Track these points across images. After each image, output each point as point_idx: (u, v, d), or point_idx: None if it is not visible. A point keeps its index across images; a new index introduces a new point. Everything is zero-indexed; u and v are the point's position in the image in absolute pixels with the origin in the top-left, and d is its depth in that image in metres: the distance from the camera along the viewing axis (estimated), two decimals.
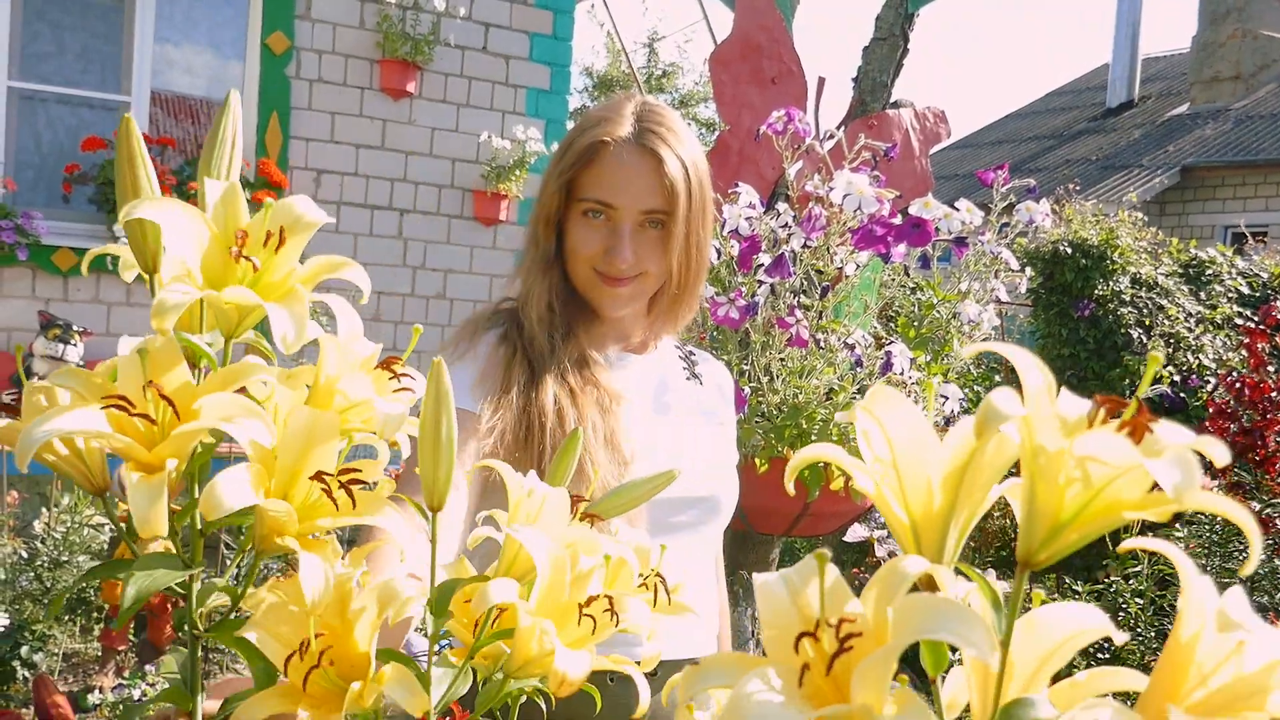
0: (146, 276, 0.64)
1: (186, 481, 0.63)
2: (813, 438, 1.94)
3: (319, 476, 0.59)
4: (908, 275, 2.16)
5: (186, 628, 0.65)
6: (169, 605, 3.68)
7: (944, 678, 0.44)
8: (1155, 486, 0.38)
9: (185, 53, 5.87)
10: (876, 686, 0.38)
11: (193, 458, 0.62)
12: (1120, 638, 0.41)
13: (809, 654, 0.41)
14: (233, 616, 0.68)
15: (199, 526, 0.63)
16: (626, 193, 1.32)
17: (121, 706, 3.20)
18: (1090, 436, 0.40)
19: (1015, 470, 0.44)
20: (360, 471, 0.61)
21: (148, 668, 3.55)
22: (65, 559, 3.90)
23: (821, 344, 1.97)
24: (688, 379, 1.49)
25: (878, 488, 0.46)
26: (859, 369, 1.94)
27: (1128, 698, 0.43)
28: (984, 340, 2.24)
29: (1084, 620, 0.43)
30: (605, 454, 1.28)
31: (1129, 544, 0.45)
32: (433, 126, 6.15)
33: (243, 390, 0.61)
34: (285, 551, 0.60)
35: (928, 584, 0.44)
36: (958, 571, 0.45)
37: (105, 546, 4.02)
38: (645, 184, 1.32)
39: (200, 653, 0.68)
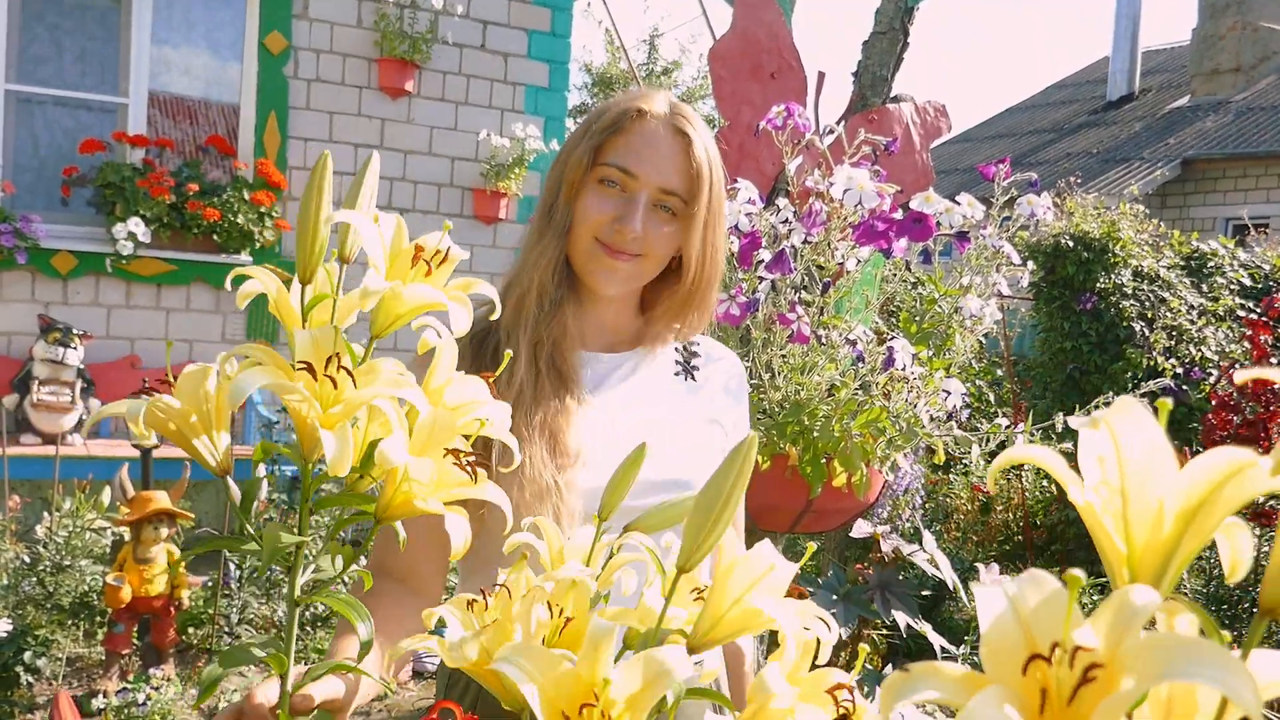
0: (284, 286, 0.76)
1: (300, 462, 0.75)
2: (814, 434, 1.93)
3: (453, 452, 0.72)
4: (909, 270, 2.14)
5: (288, 594, 0.75)
6: (172, 608, 3.68)
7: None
8: None
9: (183, 54, 5.86)
10: None
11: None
12: None
13: (1042, 679, 0.39)
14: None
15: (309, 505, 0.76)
16: (651, 164, 1.30)
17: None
18: None
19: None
20: (482, 455, 0.75)
21: (151, 671, 3.55)
22: (67, 563, 3.90)
23: (823, 340, 1.96)
24: (676, 374, 1.42)
25: (1091, 509, 0.44)
26: (860, 365, 1.93)
27: None
28: (985, 333, 2.23)
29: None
30: (543, 448, 1.24)
31: None
32: (431, 125, 6.14)
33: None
34: (418, 514, 0.72)
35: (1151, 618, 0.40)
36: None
37: (108, 550, 4.01)
38: (672, 162, 1.30)
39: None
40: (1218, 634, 0.41)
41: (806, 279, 1.99)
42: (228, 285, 0.86)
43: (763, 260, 1.91)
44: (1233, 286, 6.60)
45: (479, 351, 1.34)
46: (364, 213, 0.76)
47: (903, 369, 1.90)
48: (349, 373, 0.70)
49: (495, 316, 0.99)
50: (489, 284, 0.80)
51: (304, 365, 0.69)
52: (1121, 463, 0.43)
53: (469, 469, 0.71)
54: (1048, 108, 17.75)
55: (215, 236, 5.49)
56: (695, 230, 1.32)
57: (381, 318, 0.74)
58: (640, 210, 1.29)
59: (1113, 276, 6.07)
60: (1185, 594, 3.73)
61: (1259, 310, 5.32)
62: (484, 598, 0.71)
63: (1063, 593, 0.40)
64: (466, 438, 0.74)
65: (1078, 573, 0.39)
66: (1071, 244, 6.08)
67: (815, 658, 0.67)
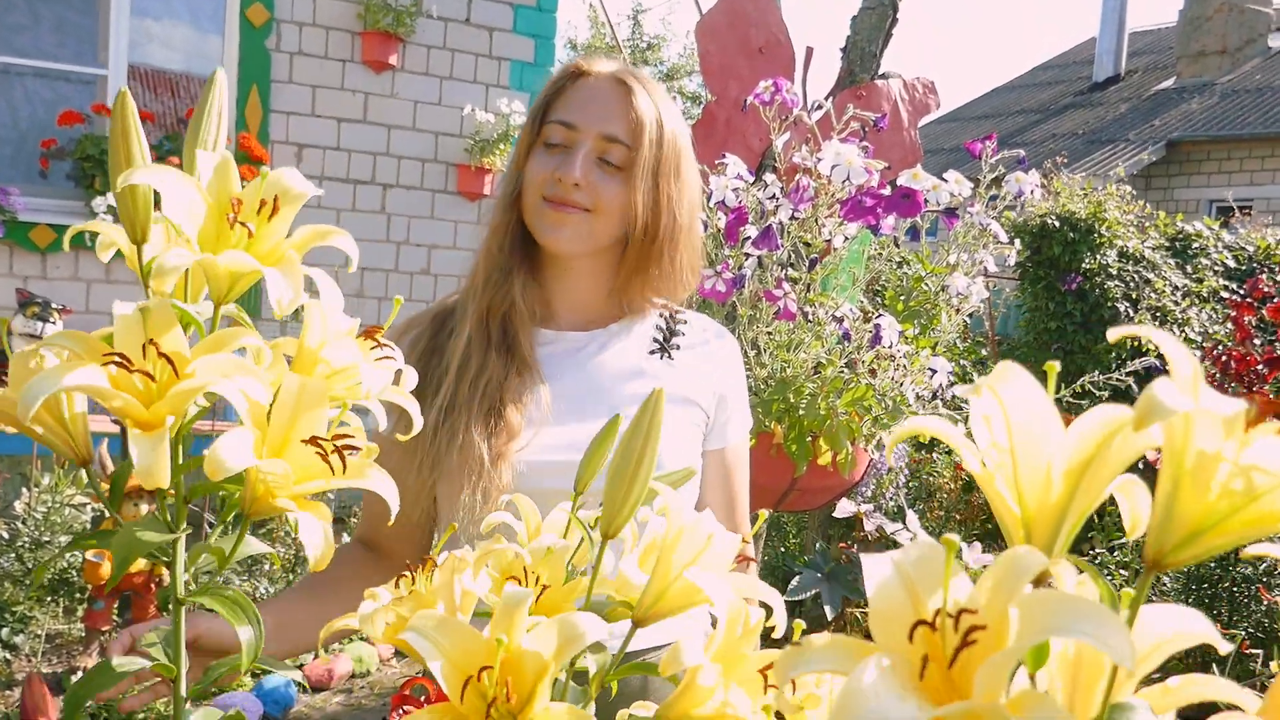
0: (133, 247, 0.65)
1: (172, 448, 0.64)
2: (800, 412, 1.92)
3: (314, 441, 0.60)
4: (897, 247, 2.13)
5: (171, 593, 0.66)
6: (152, 584, 3.66)
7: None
8: None
9: (164, 26, 5.77)
10: (998, 685, 0.36)
11: (180, 426, 0.63)
12: (1225, 646, 0.39)
13: (926, 645, 0.39)
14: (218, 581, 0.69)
15: (183, 493, 0.65)
16: (589, 113, 1.28)
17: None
18: (1259, 443, 0.38)
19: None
20: (353, 437, 0.63)
21: None
22: (47, 539, 3.87)
23: (809, 317, 1.95)
24: (652, 352, 1.36)
25: (987, 473, 0.44)
26: (847, 342, 1.92)
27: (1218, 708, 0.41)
28: (970, 312, 2.22)
29: (1184, 624, 0.41)
30: (479, 419, 1.22)
31: (1256, 549, 0.42)
32: (415, 100, 6.08)
33: None
34: (278, 513, 0.62)
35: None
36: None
37: (88, 526, 3.98)
38: (610, 109, 1.29)
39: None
40: (1109, 592, 0.41)
41: (793, 255, 1.97)
42: (65, 246, 0.81)
43: (749, 236, 1.89)
44: (1217, 268, 6.63)
45: (439, 331, 1.34)
46: (212, 141, 0.66)
47: (889, 346, 1.89)
48: (170, 361, 0.59)
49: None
50: (348, 236, 0.67)
51: (113, 358, 0.58)
52: (1009, 425, 0.43)
53: (336, 457, 0.60)
54: (1034, 88, 17.74)
55: None
56: (640, 176, 1.28)
57: (216, 285, 0.63)
58: (579, 158, 1.27)
59: (1098, 257, 6.08)
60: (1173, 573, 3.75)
61: (1243, 292, 5.34)
62: (411, 573, 0.67)
63: (944, 554, 0.39)
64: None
65: (954, 537, 0.39)
66: (1057, 224, 6.09)
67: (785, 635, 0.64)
